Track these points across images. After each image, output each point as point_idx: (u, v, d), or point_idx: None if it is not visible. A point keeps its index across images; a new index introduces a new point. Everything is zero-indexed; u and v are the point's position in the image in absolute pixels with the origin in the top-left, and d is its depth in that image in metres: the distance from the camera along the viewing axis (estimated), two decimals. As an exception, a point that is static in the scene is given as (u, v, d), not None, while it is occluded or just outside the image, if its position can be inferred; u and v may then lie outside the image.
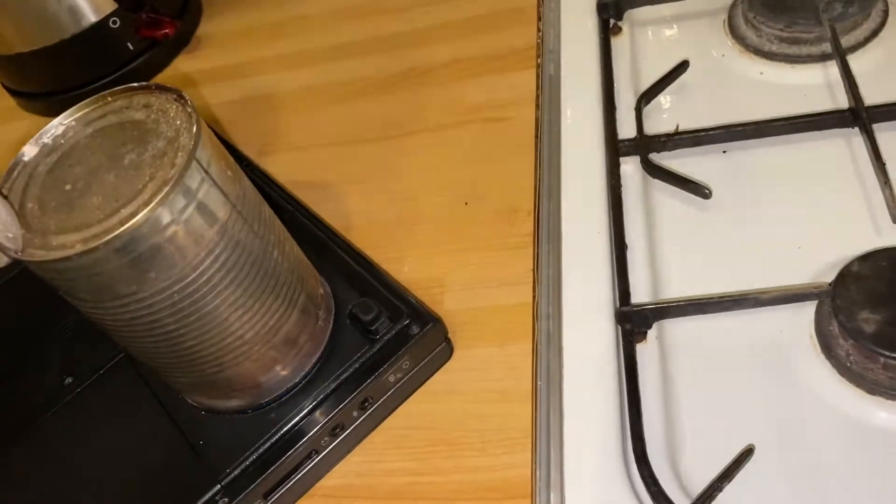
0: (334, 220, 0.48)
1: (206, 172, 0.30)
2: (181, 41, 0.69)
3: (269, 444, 0.37)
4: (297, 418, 0.37)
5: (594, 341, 0.39)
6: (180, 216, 0.29)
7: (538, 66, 0.55)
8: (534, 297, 0.42)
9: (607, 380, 0.37)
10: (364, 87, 0.60)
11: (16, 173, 0.32)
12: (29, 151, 0.33)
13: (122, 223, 0.28)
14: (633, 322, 0.39)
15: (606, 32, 0.56)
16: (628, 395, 0.36)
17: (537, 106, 0.52)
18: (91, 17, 0.63)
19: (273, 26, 0.69)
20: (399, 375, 0.39)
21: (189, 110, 0.31)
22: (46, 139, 0.33)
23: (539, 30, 0.58)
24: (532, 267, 0.44)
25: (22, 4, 0.63)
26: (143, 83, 0.33)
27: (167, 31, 0.65)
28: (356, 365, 0.38)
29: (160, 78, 0.68)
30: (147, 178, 0.30)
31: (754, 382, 0.37)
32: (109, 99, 0.33)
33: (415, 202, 0.50)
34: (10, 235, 0.29)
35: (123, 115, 0.33)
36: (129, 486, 0.38)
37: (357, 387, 0.38)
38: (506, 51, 0.57)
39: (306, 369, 0.38)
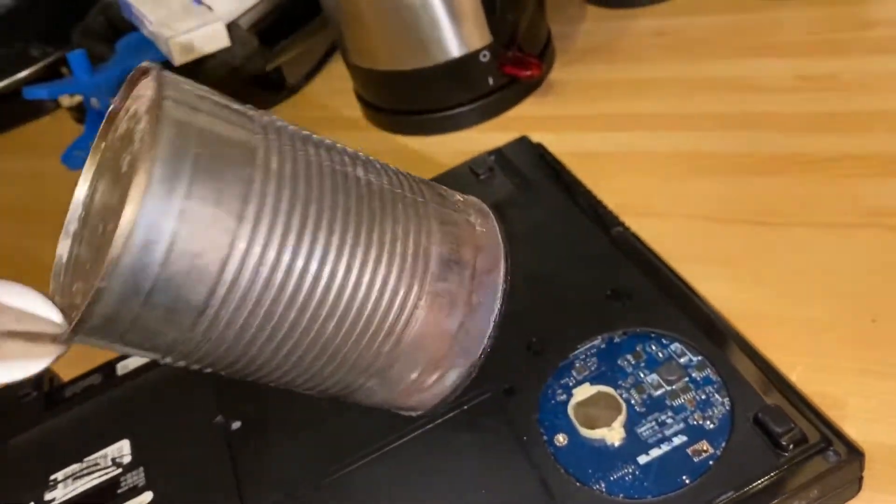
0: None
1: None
2: (533, 84, 0.70)
3: (656, 539, 0.34)
4: (689, 521, 0.34)
5: None
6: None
7: (956, 178, 0.49)
8: (964, 450, 0.36)
9: None
10: (734, 162, 0.56)
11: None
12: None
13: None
14: None
15: None
16: None
17: (958, 225, 0.46)
18: (465, 48, 0.65)
19: (627, 84, 0.68)
20: (803, 503, 0.35)
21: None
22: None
23: (956, 138, 0.51)
24: (962, 413, 0.38)
25: (403, 27, 0.66)
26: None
27: (533, 72, 0.65)
28: (761, 479, 0.34)
29: (508, 117, 0.69)
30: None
31: None
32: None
33: (801, 303, 0.45)
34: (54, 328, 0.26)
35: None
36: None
37: (761, 504, 0.34)
38: (914, 155, 0.51)
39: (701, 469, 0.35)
